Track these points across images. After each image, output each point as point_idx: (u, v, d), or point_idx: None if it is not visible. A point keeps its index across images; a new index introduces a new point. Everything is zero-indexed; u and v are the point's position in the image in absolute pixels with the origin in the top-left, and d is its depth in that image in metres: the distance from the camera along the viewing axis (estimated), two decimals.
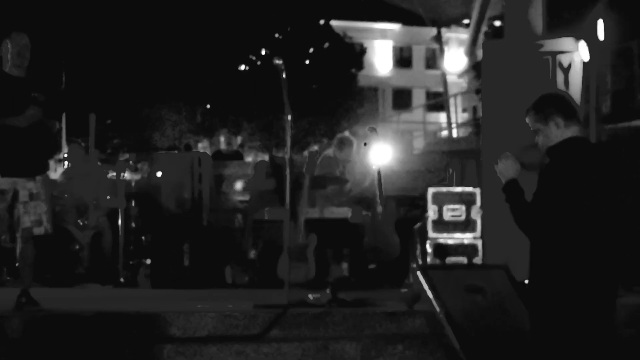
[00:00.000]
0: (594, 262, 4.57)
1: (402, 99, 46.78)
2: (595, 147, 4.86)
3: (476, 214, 8.75)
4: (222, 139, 10.39)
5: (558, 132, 4.67)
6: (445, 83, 22.13)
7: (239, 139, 10.31)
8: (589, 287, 4.56)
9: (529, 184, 4.71)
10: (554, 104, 4.75)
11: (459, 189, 8.93)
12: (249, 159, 19.57)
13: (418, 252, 9.00)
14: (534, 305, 4.72)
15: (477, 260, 8.68)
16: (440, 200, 8.85)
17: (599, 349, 4.58)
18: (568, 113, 4.70)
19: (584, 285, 4.55)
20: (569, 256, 4.56)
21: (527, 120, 4.78)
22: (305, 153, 9.00)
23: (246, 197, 9.63)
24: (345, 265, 9.00)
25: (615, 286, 4.68)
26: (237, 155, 10.62)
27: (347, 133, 10.17)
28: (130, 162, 10.04)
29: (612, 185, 4.67)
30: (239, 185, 9.76)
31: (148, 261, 9.61)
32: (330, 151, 9.82)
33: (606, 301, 4.63)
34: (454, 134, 22.40)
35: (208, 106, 30.69)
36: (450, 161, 8.96)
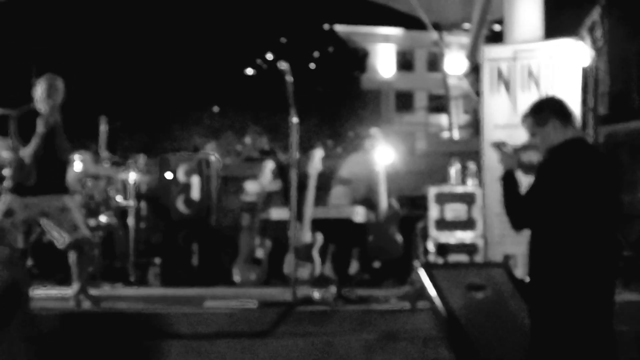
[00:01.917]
0: (591, 260, 4.61)
1: (404, 101, 46.59)
2: (593, 147, 4.95)
3: (477, 214, 8.78)
4: (247, 140, 10.36)
5: (556, 134, 4.73)
6: (446, 85, 22.13)
7: (264, 140, 10.29)
8: (586, 285, 4.61)
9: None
10: (552, 107, 4.81)
11: (460, 189, 8.97)
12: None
13: (420, 250, 9.10)
14: (533, 302, 4.76)
15: (478, 258, 8.71)
16: (442, 199, 8.92)
17: (597, 345, 4.63)
18: (565, 116, 4.77)
19: (581, 283, 4.60)
20: (567, 254, 4.61)
21: (524, 124, 4.84)
22: (309, 154, 9.04)
23: (253, 198, 9.69)
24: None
25: (612, 283, 4.75)
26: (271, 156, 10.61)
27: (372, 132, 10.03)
28: (140, 163, 10.11)
29: (609, 184, 4.73)
30: (246, 185, 9.83)
31: (158, 260, 9.66)
32: (361, 153, 9.79)
33: (604, 298, 4.68)
34: (456, 135, 22.36)
35: (216, 108, 30.82)
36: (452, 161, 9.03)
